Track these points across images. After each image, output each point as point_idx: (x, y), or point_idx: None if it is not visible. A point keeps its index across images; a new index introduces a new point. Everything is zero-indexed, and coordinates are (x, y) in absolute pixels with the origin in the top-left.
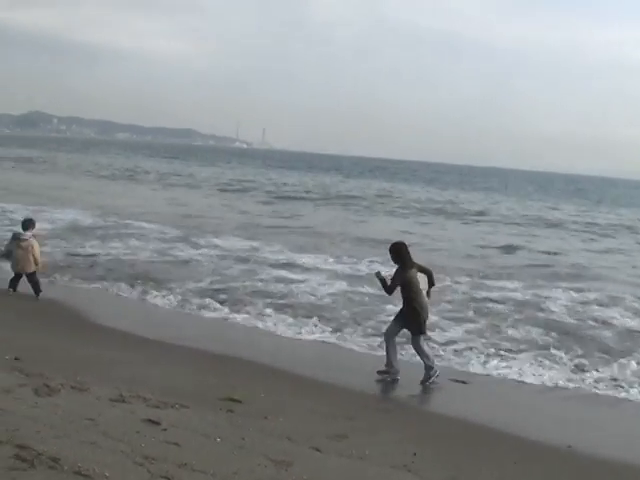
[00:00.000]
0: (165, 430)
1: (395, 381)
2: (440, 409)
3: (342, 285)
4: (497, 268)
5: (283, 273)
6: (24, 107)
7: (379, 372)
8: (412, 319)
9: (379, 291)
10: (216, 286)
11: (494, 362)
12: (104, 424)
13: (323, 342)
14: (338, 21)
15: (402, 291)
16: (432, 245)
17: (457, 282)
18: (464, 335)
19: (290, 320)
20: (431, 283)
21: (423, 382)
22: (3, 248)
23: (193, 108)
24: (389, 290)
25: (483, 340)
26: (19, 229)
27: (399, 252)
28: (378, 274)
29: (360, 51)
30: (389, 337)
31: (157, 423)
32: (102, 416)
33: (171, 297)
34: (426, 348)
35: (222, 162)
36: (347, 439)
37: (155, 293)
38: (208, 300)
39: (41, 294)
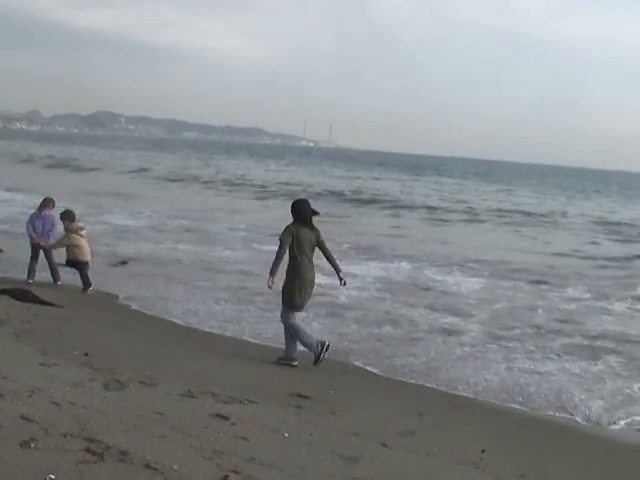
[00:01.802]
0: (234, 425)
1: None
2: (511, 405)
3: None
4: None
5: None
6: (92, 107)
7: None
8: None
9: None
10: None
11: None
12: (173, 419)
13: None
14: (402, 21)
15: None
16: None
17: None
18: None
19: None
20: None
21: (316, 363)
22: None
23: (260, 107)
24: (277, 254)
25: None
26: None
27: (294, 206)
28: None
29: (424, 51)
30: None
31: (226, 418)
32: (171, 411)
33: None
34: (301, 325)
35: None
36: (415, 435)
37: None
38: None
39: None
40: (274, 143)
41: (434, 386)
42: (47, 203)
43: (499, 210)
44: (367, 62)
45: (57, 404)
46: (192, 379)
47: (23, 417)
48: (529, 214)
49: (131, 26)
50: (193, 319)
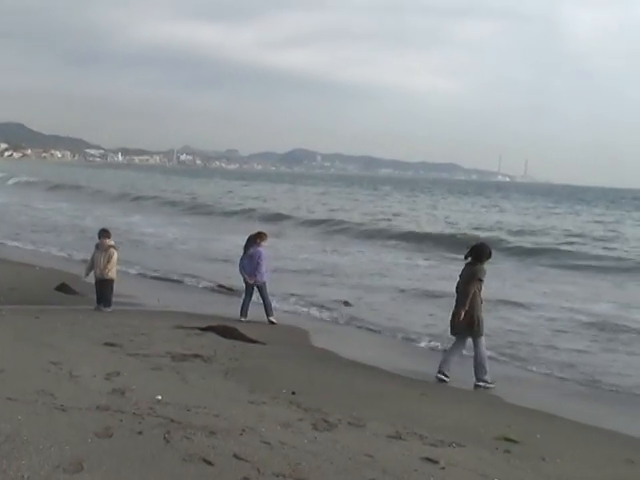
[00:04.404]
0: (443, 469)
1: None
2: None
3: None
4: None
5: None
6: (288, 145)
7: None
8: None
9: None
10: None
11: None
12: (383, 461)
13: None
14: (596, 52)
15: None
16: None
17: None
18: None
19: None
20: None
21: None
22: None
23: (455, 143)
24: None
25: None
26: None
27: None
28: None
29: (619, 83)
30: None
31: (435, 462)
32: (380, 453)
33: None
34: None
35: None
36: None
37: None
38: None
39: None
40: (469, 179)
41: None
42: (254, 239)
43: None
44: (561, 95)
45: (268, 443)
46: (398, 419)
47: (236, 456)
48: None
49: (322, 65)
50: (372, 355)
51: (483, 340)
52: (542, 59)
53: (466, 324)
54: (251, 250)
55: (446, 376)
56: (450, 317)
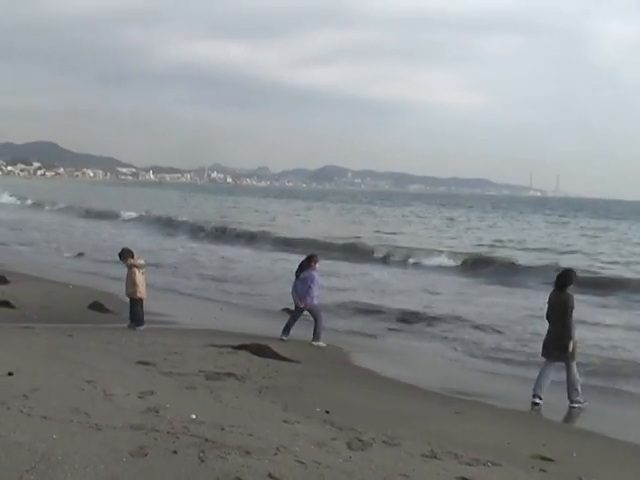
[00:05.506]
0: None
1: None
2: None
3: None
4: None
5: None
6: (319, 162)
7: None
8: None
9: None
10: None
11: None
12: None
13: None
14: (625, 66)
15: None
16: None
17: None
18: None
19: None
20: None
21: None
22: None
23: (485, 158)
24: None
25: None
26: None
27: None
28: None
29: None
30: None
31: None
32: (415, 472)
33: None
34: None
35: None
36: None
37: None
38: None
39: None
40: (500, 194)
41: None
42: (307, 263)
43: None
44: (590, 109)
45: (302, 463)
46: (433, 438)
47: (270, 476)
48: None
49: (350, 82)
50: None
51: (575, 364)
52: (571, 73)
53: (562, 350)
54: (305, 273)
55: (540, 399)
56: (545, 341)
